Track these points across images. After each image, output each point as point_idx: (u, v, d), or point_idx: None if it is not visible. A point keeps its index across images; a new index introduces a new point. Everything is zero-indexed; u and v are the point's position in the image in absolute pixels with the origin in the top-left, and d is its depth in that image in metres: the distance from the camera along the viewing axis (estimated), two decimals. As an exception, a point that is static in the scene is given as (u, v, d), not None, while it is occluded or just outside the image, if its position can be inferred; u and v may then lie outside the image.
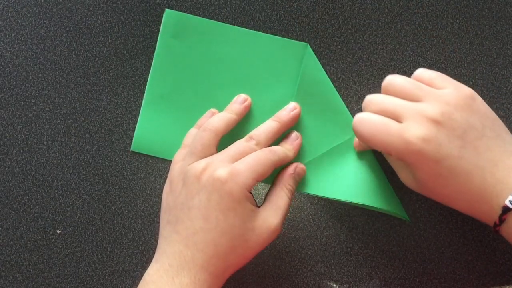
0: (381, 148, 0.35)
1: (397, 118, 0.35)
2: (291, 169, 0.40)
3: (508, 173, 0.33)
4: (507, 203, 0.32)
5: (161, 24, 0.44)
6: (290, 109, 0.42)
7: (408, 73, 0.44)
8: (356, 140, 0.42)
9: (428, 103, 0.34)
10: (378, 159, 0.43)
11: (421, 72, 0.37)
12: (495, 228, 0.34)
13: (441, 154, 0.33)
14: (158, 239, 0.43)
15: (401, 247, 0.43)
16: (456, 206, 0.35)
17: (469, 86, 0.44)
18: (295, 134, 0.42)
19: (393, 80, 0.36)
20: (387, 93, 0.36)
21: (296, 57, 0.43)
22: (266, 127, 0.41)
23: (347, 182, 0.43)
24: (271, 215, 0.37)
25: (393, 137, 0.34)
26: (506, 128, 0.36)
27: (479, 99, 0.35)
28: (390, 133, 0.34)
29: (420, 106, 0.34)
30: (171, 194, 0.38)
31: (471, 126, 0.34)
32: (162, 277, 0.35)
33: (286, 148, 0.41)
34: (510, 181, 0.33)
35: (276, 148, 0.40)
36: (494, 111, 0.44)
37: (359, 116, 0.36)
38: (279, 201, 0.38)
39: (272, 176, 0.39)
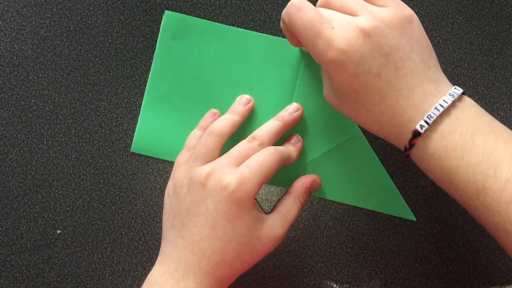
0: (304, 43, 0.35)
1: None
2: (308, 183, 0.40)
3: (422, 99, 0.33)
4: (417, 127, 0.32)
5: (161, 26, 0.44)
6: (293, 109, 0.42)
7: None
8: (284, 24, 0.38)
9: (363, 17, 0.33)
10: (380, 158, 0.43)
11: None
12: (405, 152, 0.34)
13: (359, 69, 0.33)
14: (158, 239, 0.43)
15: (401, 247, 0.43)
16: (368, 127, 0.35)
17: (469, 86, 0.44)
18: (296, 137, 0.42)
19: None
20: (326, 6, 0.35)
21: (296, 58, 0.43)
22: (269, 127, 0.40)
23: (348, 184, 0.43)
24: (278, 225, 0.37)
25: (320, 39, 0.33)
26: (435, 58, 0.35)
27: (416, 23, 0.34)
28: (320, 34, 0.33)
29: (354, 17, 0.33)
30: (175, 198, 0.38)
31: (399, 47, 0.33)
32: (167, 280, 0.35)
33: (289, 149, 0.41)
34: (423, 107, 0.33)
35: (280, 147, 0.39)
36: (494, 111, 0.44)
37: (299, 0, 0.34)
38: (289, 213, 0.38)
39: (275, 177, 0.39)
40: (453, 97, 0.33)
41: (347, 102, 0.35)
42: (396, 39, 0.33)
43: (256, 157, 0.37)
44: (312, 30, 0.33)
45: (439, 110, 0.32)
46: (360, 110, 0.35)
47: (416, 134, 0.33)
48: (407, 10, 0.34)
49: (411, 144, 0.33)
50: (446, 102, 0.32)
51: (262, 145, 0.39)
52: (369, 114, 0.34)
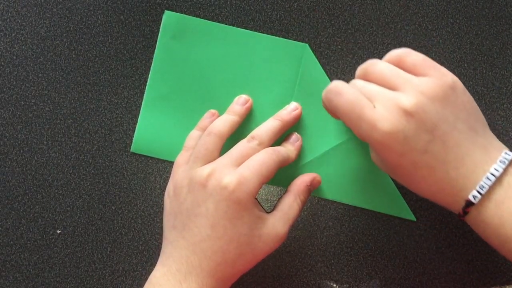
0: (349, 126, 0.35)
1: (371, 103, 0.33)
2: (308, 181, 0.40)
3: (473, 168, 0.32)
4: (470, 197, 0.32)
5: (161, 26, 0.44)
6: (292, 109, 0.42)
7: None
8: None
9: (404, 92, 0.33)
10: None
11: (405, 53, 0.35)
12: (460, 217, 0.34)
13: (405, 148, 0.32)
14: (158, 239, 0.44)
15: (401, 247, 0.43)
16: (420, 194, 0.35)
17: (469, 86, 0.44)
18: (295, 135, 0.42)
19: (373, 65, 0.35)
20: (365, 78, 0.35)
21: (295, 58, 0.43)
22: (268, 126, 0.40)
23: (348, 184, 0.43)
24: (280, 224, 0.37)
25: (363, 121, 0.33)
26: (483, 121, 0.34)
27: (460, 88, 0.34)
28: (362, 116, 0.33)
29: (395, 94, 0.33)
30: (175, 199, 0.38)
31: (443, 119, 0.32)
32: (169, 281, 0.35)
33: (288, 149, 0.41)
34: (474, 177, 0.32)
35: (279, 148, 0.39)
36: (494, 111, 0.44)
37: (337, 85, 0.35)
38: (290, 211, 0.38)
39: (275, 177, 0.39)
40: (504, 164, 0.32)
41: (396, 174, 0.35)
42: (439, 112, 0.32)
43: (256, 157, 0.37)
44: (354, 113, 0.33)
45: (490, 180, 0.32)
46: (410, 181, 0.34)
47: (469, 204, 0.32)
48: (449, 77, 0.33)
49: (465, 212, 0.33)
50: (498, 171, 0.32)
51: (262, 145, 0.39)
52: (420, 185, 0.34)
